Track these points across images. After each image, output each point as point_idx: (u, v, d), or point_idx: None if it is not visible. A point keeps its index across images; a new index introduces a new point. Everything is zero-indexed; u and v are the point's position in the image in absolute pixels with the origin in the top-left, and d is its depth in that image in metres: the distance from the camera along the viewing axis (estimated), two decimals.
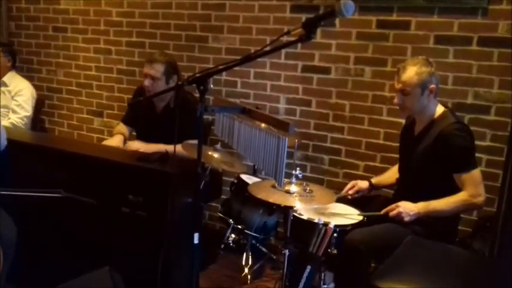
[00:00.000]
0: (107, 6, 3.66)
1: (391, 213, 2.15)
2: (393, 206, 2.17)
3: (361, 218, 2.27)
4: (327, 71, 2.99)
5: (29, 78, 3.79)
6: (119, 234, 2.25)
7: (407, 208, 2.13)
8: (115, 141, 2.91)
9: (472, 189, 2.09)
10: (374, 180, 2.52)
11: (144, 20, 3.53)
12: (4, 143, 2.33)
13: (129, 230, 2.21)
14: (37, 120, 3.76)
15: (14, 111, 3.39)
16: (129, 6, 3.56)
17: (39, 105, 3.74)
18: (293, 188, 2.12)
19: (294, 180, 2.16)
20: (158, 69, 2.73)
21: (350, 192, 2.47)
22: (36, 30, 4.03)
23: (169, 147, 2.49)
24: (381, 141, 2.91)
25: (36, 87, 3.76)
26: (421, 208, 2.13)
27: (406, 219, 2.12)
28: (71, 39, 3.89)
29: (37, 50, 4.07)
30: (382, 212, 2.21)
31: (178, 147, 2.38)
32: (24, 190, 2.07)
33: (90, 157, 2.34)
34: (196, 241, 1.74)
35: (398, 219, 2.13)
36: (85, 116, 3.99)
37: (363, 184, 2.48)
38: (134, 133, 3.08)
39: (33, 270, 2.33)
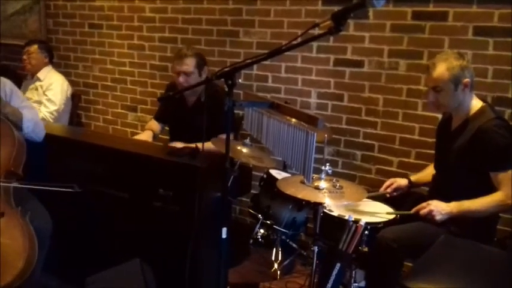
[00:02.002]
0: (141, 2, 3.70)
1: (422, 212, 2.08)
2: (424, 204, 2.10)
3: (392, 216, 2.21)
4: (359, 64, 2.93)
5: (66, 74, 3.90)
6: (149, 228, 2.28)
7: (439, 207, 2.05)
8: (144, 136, 2.96)
9: (508, 189, 1.99)
10: (413, 177, 2.44)
11: (176, 16, 3.55)
12: (42, 133, 2.41)
13: (160, 224, 2.24)
14: (74, 114, 3.86)
15: (44, 105, 3.48)
16: (161, 1, 3.60)
17: (76, 101, 3.84)
18: (322, 184, 2.09)
19: (323, 176, 2.12)
20: (190, 64, 2.75)
21: (388, 190, 2.40)
22: (73, 27, 4.13)
23: (206, 145, 2.51)
24: (416, 137, 2.82)
25: (73, 82, 3.86)
26: (454, 207, 2.05)
27: (438, 218, 2.04)
28: (106, 35, 3.97)
29: (74, 46, 4.18)
30: (413, 210, 2.14)
31: (210, 145, 2.39)
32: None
33: (123, 151, 2.38)
34: (224, 235, 1.74)
35: (429, 217, 2.06)
36: (120, 110, 4.07)
37: (402, 182, 2.40)
38: (167, 128, 3.12)
39: (66, 261, 2.40)
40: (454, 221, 2.06)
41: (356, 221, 2.06)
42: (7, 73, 2.68)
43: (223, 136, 2.62)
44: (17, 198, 2.09)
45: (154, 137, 3.01)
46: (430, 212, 2.05)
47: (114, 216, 2.37)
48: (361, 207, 2.32)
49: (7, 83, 2.35)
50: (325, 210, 2.24)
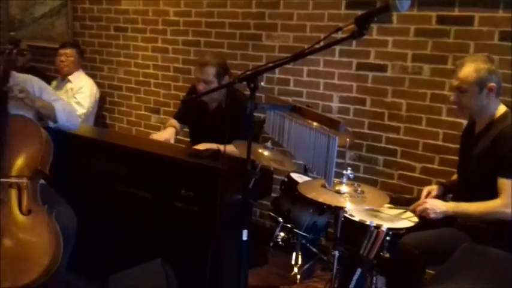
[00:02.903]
0: (165, 6, 3.76)
1: (418, 208, 2.13)
2: (420, 201, 2.14)
3: (415, 220, 2.19)
4: (382, 68, 2.91)
5: (92, 76, 3.98)
6: (171, 228, 2.30)
7: (434, 205, 2.09)
8: (167, 133, 2.93)
9: (506, 198, 1.96)
10: (446, 182, 2.42)
11: (199, 19, 3.59)
12: (77, 121, 2.50)
13: (181, 224, 2.26)
14: (99, 116, 3.94)
15: None
16: (186, 5, 3.64)
17: (101, 102, 3.92)
18: (344, 188, 2.08)
19: (345, 180, 2.11)
20: (209, 73, 2.73)
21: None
22: (99, 30, 4.21)
23: (229, 148, 2.53)
24: (440, 143, 2.78)
25: (98, 84, 3.94)
26: (450, 208, 2.08)
27: (432, 216, 2.07)
28: (130, 38, 4.03)
29: (100, 49, 4.26)
30: (411, 207, 2.19)
31: (232, 148, 2.41)
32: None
33: (146, 152, 2.41)
34: (245, 238, 1.75)
35: (423, 215, 2.10)
36: (143, 112, 4.13)
37: (439, 188, 2.36)
38: (186, 129, 3.14)
39: (89, 260, 2.44)
40: (477, 227, 2.04)
41: (377, 227, 2.05)
42: (36, 74, 2.74)
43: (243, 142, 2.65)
44: (43, 196, 2.14)
45: (177, 133, 3.02)
46: (425, 209, 2.09)
47: (137, 215, 2.40)
48: (384, 212, 2.30)
49: (35, 81, 2.42)
50: (346, 215, 2.23)
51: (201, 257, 2.17)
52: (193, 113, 3.00)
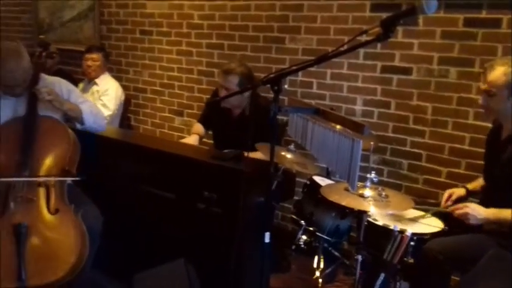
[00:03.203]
0: (190, 10, 3.80)
1: (457, 212, 2.05)
2: (461, 205, 2.07)
3: (441, 226, 2.15)
4: (408, 71, 2.87)
5: (118, 79, 4.05)
6: (194, 229, 2.32)
7: (476, 211, 2.01)
8: (191, 140, 3.01)
9: None
10: (469, 186, 2.37)
11: (223, 22, 3.62)
12: (103, 123, 2.55)
13: (204, 225, 2.28)
14: (124, 118, 4.00)
15: None
16: (210, 9, 3.68)
17: (126, 104, 3.99)
18: (367, 192, 2.06)
19: (368, 184, 2.09)
20: (232, 81, 2.73)
21: (449, 203, 2.31)
22: (125, 33, 4.29)
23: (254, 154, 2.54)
24: (466, 147, 2.73)
25: (124, 87, 4.01)
26: (491, 214, 2.00)
27: (472, 222, 2.00)
28: (155, 41, 4.09)
29: (125, 52, 4.33)
30: (450, 209, 2.12)
31: (260, 154, 2.42)
32: (50, 175, 2.19)
33: (170, 154, 2.44)
34: (267, 240, 1.75)
35: (463, 219, 2.03)
36: (167, 114, 4.18)
37: (461, 192, 2.33)
38: (210, 132, 3.17)
39: (114, 259, 2.48)
40: (504, 234, 1.99)
41: (402, 231, 2.03)
42: (63, 77, 2.81)
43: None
44: (70, 196, 2.19)
45: (200, 140, 3.06)
46: (466, 214, 2.02)
47: (161, 216, 2.44)
48: (408, 216, 2.27)
49: (63, 83, 2.47)
50: (369, 219, 2.21)
51: (223, 259, 2.19)
52: (217, 118, 3.01)
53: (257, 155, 2.52)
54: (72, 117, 2.40)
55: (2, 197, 2.07)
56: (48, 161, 2.19)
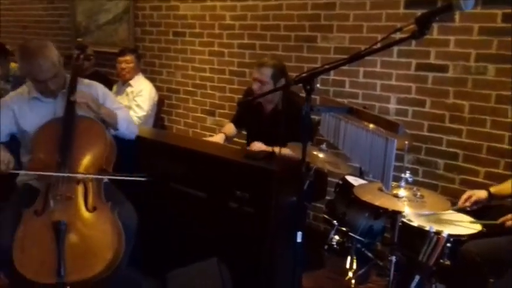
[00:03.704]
0: (222, 11, 3.83)
1: (508, 223, 1.96)
2: (510, 216, 1.99)
3: (478, 227, 2.09)
4: (444, 69, 2.80)
5: (152, 80, 4.12)
6: (226, 228, 2.34)
7: None
8: (216, 139, 3.02)
9: None
10: (493, 188, 2.29)
11: (255, 23, 3.63)
12: (136, 130, 2.58)
13: (236, 225, 2.29)
14: (157, 118, 4.08)
15: (133, 110, 3.70)
16: (241, 9, 3.69)
17: (159, 105, 4.05)
18: (402, 192, 2.03)
19: (403, 184, 2.06)
20: (266, 73, 2.76)
21: (467, 204, 2.27)
22: (159, 35, 4.36)
23: (284, 150, 2.56)
24: (506, 146, 2.64)
25: (157, 88, 4.08)
26: None
27: None
28: (188, 42, 4.14)
29: (159, 53, 4.41)
30: (499, 220, 2.02)
31: (288, 150, 2.42)
32: (113, 174, 2.27)
33: (203, 153, 2.47)
34: (299, 240, 1.75)
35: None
36: (199, 115, 4.23)
37: (481, 194, 2.26)
38: (244, 132, 3.19)
39: (148, 257, 2.53)
40: None
41: (438, 233, 1.98)
42: (99, 78, 2.88)
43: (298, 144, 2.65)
44: (107, 194, 2.24)
45: (227, 139, 3.08)
46: None
47: (193, 215, 2.47)
48: (443, 218, 2.22)
49: (99, 87, 2.52)
50: (404, 220, 2.17)
51: (255, 258, 2.20)
52: (249, 116, 3.04)
53: (285, 151, 2.52)
54: (107, 123, 2.42)
55: (42, 195, 2.14)
56: (86, 161, 2.25)
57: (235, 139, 3.25)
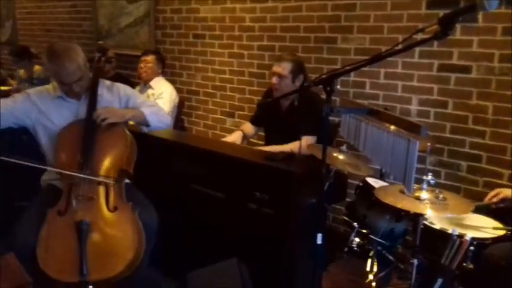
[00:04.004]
0: (241, 13, 3.84)
1: (494, 200, 1.94)
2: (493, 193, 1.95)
3: (502, 231, 2.05)
4: (466, 70, 2.76)
5: (172, 82, 4.16)
6: (245, 229, 2.34)
7: None
8: (234, 136, 3.06)
9: None
10: None
11: (274, 24, 3.63)
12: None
13: (255, 226, 2.30)
14: (178, 120, 4.11)
15: None
16: (261, 11, 3.70)
17: (179, 107, 4.08)
18: (424, 194, 2.00)
19: (425, 186, 2.03)
20: (285, 67, 2.82)
21: (494, 199, 2.24)
22: (179, 37, 4.40)
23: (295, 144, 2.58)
24: None
25: (177, 90, 4.10)
26: None
27: None
28: (208, 45, 4.17)
29: (179, 55, 4.44)
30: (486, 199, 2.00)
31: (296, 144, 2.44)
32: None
33: (222, 154, 2.48)
34: (319, 241, 1.74)
35: None
36: (219, 116, 4.25)
37: (509, 192, 2.22)
38: (262, 133, 3.20)
39: (168, 257, 2.55)
40: None
41: (461, 236, 1.95)
42: (121, 80, 2.92)
43: (310, 138, 2.69)
44: (128, 194, 2.27)
45: (245, 138, 3.09)
46: None
47: (212, 215, 2.48)
48: (466, 221, 2.18)
49: (121, 87, 2.54)
50: (425, 222, 2.14)
51: (275, 259, 2.19)
52: (267, 114, 3.06)
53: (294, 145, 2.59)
54: (137, 123, 2.47)
55: (65, 195, 2.18)
56: (107, 162, 2.28)
57: (254, 140, 3.26)
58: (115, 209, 2.15)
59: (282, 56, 2.90)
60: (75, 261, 1.96)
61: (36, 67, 4.91)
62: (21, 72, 4.92)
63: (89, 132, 2.27)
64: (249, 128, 3.18)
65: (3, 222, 2.73)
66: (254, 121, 3.19)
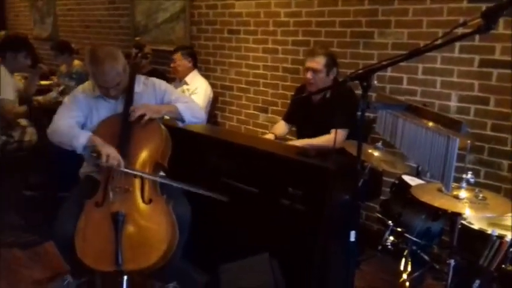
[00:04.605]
0: (276, 8, 3.82)
1: None
2: None
3: None
4: (509, 65, 2.65)
5: (206, 77, 4.19)
6: (276, 224, 2.34)
7: None
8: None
9: None
10: None
11: (310, 19, 3.60)
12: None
13: (288, 221, 2.29)
14: (211, 115, 4.14)
15: None
16: (296, 6, 3.67)
17: (213, 102, 4.11)
18: (463, 193, 1.94)
19: (464, 185, 1.97)
20: (319, 62, 2.81)
21: None
22: (214, 33, 4.42)
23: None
24: None
25: (212, 85, 4.13)
26: None
27: None
28: (242, 40, 4.17)
29: (213, 51, 4.47)
30: None
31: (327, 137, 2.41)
32: (194, 186, 2.32)
33: (255, 149, 2.48)
34: (352, 239, 1.72)
35: None
36: (252, 111, 4.25)
37: None
38: (294, 129, 3.18)
39: (200, 250, 2.57)
40: None
41: (501, 236, 1.88)
42: (156, 76, 2.96)
43: (342, 131, 2.67)
44: (162, 187, 2.31)
45: (276, 139, 3.08)
46: None
47: (245, 210, 2.48)
48: (506, 221, 2.10)
49: (156, 82, 2.58)
50: (463, 222, 2.08)
51: (307, 256, 2.18)
52: (299, 109, 3.05)
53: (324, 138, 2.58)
54: (172, 118, 2.51)
55: (102, 187, 2.24)
56: (143, 155, 2.32)
57: (288, 136, 3.25)
58: (150, 201, 2.19)
59: (314, 50, 2.89)
60: (111, 251, 2.02)
61: (76, 62, 5.05)
62: (62, 67, 5.08)
63: (126, 127, 2.32)
64: (281, 127, 3.17)
65: (45, 212, 2.83)
66: (287, 118, 3.18)
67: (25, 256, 2.94)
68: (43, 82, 4.73)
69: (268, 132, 3.32)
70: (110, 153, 2.19)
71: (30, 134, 3.72)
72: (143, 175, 2.24)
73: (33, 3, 7.24)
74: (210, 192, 2.28)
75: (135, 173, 2.23)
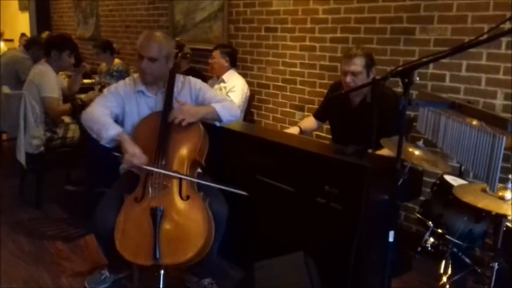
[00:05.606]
0: (314, 5, 3.79)
1: None
2: None
3: None
4: None
5: (243, 75, 4.20)
6: (312, 223, 2.32)
7: None
8: (290, 131, 2.99)
9: None
10: None
11: (348, 16, 3.54)
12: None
13: (323, 220, 2.26)
14: (247, 112, 4.15)
15: None
16: (335, 2, 3.63)
17: (250, 100, 4.12)
18: (508, 194, 1.87)
19: (509, 185, 1.89)
20: (359, 63, 2.67)
21: None
22: (251, 31, 4.43)
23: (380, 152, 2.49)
24: None
25: (248, 83, 4.14)
26: None
27: None
28: (280, 38, 4.16)
29: (251, 49, 4.48)
30: None
31: (387, 151, 2.33)
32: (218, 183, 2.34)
33: (291, 147, 2.47)
34: (391, 239, 1.68)
35: None
36: (288, 110, 4.23)
37: None
38: (327, 126, 3.12)
39: (235, 246, 2.58)
40: None
41: None
42: (194, 74, 3.00)
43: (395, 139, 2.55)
44: (199, 184, 2.33)
45: (302, 133, 3.01)
46: None
47: (280, 208, 2.47)
48: None
49: (192, 81, 2.61)
50: (508, 224, 1.99)
51: (343, 256, 2.15)
52: (335, 109, 2.96)
53: (384, 151, 2.42)
54: (210, 119, 2.51)
55: (141, 183, 2.29)
56: (181, 152, 2.36)
57: (321, 134, 3.20)
58: (187, 197, 2.22)
59: (351, 51, 2.71)
60: (149, 245, 2.06)
61: (116, 60, 5.19)
62: (103, 65, 5.22)
63: (165, 127, 2.36)
64: (310, 122, 3.10)
65: (87, 206, 2.92)
66: (318, 115, 3.11)
67: (67, 249, 3.04)
68: (86, 80, 4.87)
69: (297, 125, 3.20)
70: (136, 153, 2.25)
71: (73, 131, 3.84)
72: (174, 175, 2.27)
73: (77, 4, 7.49)
74: (228, 186, 2.28)
75: (163, 172, 2.26)
